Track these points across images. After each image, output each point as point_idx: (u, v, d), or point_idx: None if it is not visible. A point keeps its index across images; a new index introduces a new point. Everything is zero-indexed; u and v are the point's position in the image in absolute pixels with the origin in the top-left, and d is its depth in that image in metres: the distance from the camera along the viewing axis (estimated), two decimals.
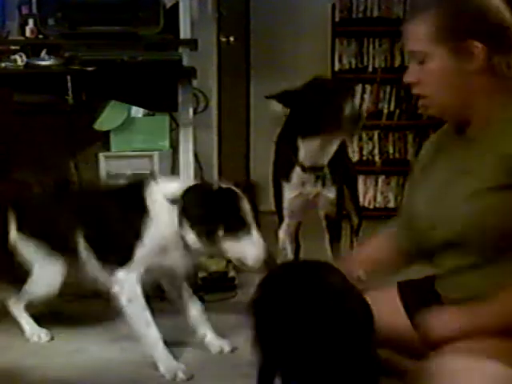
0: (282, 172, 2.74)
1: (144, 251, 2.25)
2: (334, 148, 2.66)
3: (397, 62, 4.71)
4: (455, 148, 1.61)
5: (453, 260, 1.56)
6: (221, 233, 2.13)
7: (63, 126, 3.26)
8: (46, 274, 2.49)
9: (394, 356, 1.70)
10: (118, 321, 2.66)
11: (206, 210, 2.13)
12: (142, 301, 2.27)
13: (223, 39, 3.95)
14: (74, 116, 3.16)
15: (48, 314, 2.65)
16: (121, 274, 2.28)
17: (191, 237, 2.18)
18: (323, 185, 2.69)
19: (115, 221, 2.33)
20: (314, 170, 2.67)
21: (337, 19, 4.72)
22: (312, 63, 4.79)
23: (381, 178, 4.80)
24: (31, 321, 2.58)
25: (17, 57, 2.90)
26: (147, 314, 2.28)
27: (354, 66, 4.74)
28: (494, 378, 1.32)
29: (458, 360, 1.35)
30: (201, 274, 2.72)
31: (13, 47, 2.99)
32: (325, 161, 2.67)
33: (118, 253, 2.32)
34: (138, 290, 2.27)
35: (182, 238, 2.21)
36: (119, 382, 2.22)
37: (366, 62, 4.75)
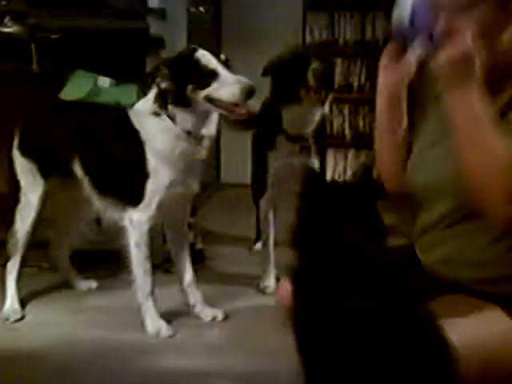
0: (266, 141, 2.76)
1: (154, 182, 2.26)
2: (315, 118, 2.68)
3: (368, 36, 4.69)
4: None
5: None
6: (190, 89, 2.19)
7: (28, 94, 3.19)
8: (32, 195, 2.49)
9: None
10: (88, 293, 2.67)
11: (173, 79, 2.22)
12: (146, 249, 2.31)
13: (193, 9, 3.89)
14: (39, 85, 3.09)
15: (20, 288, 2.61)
16: (135, 214, 2.29)
17: (177, 115, 2.22)
18: (308, 155, 2.72)
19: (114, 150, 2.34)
20: (298, 139, 2.70)
21: None
22: (284, 35, 4.73)
23: (351, 152, 4.81)
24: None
25: None
26: (148, 264, 2.32)
27: (324, 39, 4.71)
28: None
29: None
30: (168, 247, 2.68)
31: None
32: (308, 131, 2.69)
33: (126, 189, 2.32)
34: (146, 237, 2.30)
35: (179, 137, 2.23)
36: (92, 356, 2.21)
37: (337, 35, 4.73)
